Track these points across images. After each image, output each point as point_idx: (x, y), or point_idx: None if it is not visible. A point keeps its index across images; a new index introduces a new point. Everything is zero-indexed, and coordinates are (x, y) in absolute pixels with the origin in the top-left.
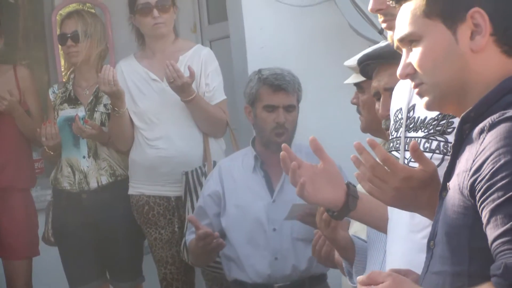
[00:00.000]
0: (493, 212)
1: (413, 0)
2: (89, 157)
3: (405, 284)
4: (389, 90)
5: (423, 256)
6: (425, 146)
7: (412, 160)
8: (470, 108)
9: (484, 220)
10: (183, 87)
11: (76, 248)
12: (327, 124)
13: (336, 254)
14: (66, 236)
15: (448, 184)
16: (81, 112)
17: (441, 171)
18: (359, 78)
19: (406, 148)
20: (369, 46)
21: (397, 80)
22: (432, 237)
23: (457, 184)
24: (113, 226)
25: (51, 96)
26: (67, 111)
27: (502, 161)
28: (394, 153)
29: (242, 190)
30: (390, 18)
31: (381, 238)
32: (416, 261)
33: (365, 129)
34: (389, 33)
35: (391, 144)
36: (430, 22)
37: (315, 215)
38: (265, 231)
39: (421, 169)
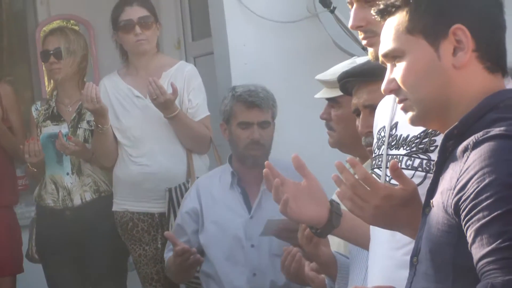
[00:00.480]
0: (478, 232)
1: (397, 16)
2: (72, 173)
3: None
4: (369, 107)
5: (404, 273)
6: (407, 163)
7: (393, 179)
8: (453, 125)
9: (470, 240)
10: (166, 104)
11: (60, 265)
12: (309, 141)
13: (306, 270)
14: (50, 253)
15: (431, 201)
16: (64, 129)
17: (423, 189)
18: (332, 93)
19: (388, 166)
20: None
21: (377, 97)
22: (415, 254)
23: (441, 202)
24: (97, 242)
25: (34, 113)
26: (50, 128)
27: (486, 181)
28: (377, 170)
29: (220, 206)
30: (371, 35)
31: (363, 254)
32: (397, 278)
33: (335, 144)
34: (369, 50)
35: (374, 162)
36: (412, 38)
37: (290, 230)
38: (243, 247)
39: (401, 188)
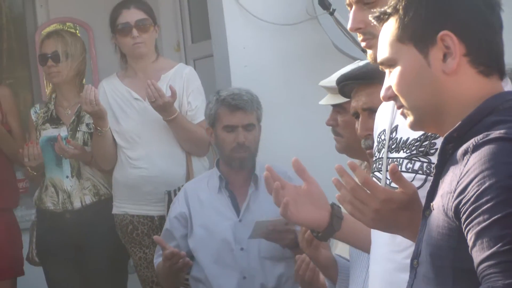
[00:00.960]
0: (478, 235)
1: (390, 23)
2: (72, 177)
3: None
4: (368, 110)
5: (404, 276)
6: (408, 166)
7: (393, 182)
8: (453, 128)
9: (470, 243)
10: (164, 107)
11: (61, 267)
12: (309, 144)
13: (321, 278)
14: (51, 255)
15: (431, 204)
16: (63, 132)
17: (424, 192)
18: (337, 99)
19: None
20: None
21: (376, 100)
22: (415, 256)
23: (441, 205)
24: (97, 245)
25: (33, 116)
26: (49, 131)
27: (487, 184)
28: (377, 173)
29: (208, 211)
30: (369, 37)
31: (363, 257)
32: (397, 281)
33: (343, 150)
34: (368, 52)
35: (374, 165)
36: (403, 46)
37: (279, 231)
38: (233, 251)
39: (401, 191)
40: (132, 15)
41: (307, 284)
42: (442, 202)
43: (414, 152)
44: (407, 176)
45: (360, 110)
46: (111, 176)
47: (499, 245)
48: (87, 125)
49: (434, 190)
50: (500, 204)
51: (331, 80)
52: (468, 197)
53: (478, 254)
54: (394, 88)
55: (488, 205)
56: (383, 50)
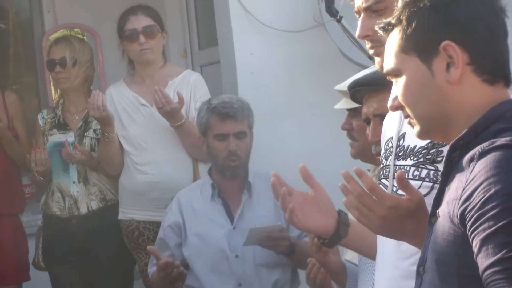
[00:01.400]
0: (484, 242)
1: (394, 34)
2: (79, 182)
3: None
4: (379, 116)
5: (410, 283)
6: (415, 174)
7: (399, 189)
8: (459, 136)
9: (475, 249)
10: (172, 113)
11: (67, 273)
12: (316, 150)
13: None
14: (57, 261)
15: (437, 211)
16: (70, 137)
17: (430, 200)
18: (352, 103)
19: (395, 177)
20: (359, 71)
21: (387, 106)
22: (421, 263)
23: (447, 212)
24: (103, 251)
25: (41, 121)
26: (56, 137)
27: (492, 191)
28: (384, 181)
29: (202, 219)
30: (377, 44)
31: (372, 263)
32: None
33: (357, 155)
34: (376, 59)
35: (381, 172)
36: (407, 57)
37: (274, 238)
38: (228, 258)
39: (407, 198)
40: (140, 21)
41: (318, 287)
42: (448, 209)
43: (421, 159)
44: (414, 183)
45: (371, 116)
46: (117, 182)
47: (504, 251)
48: (94, 130)
49: (440, 197)
50: (505, 210)
51: (346, 84)
52: (474, 204)
53: (483, 260)
54: (400, 99)
55: (494, 211)
56: (389, 60)
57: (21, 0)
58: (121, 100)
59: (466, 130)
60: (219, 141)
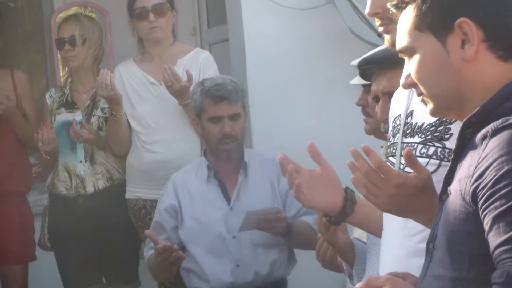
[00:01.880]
0: (495, 220)
1: (408, 11)
2: (85, 161)
3: None
4: (388, 93)
5: (416, 261)
6: (422, 151)
7: (407, 166)
8: (472, 114)
9: (486, 227)
10: (181, 91)
11: (73, 253)
12: (326, 128)
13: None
14: (62, 241)
15: (449, 188)
16: (78, 116)
17: (438, 177)
18: None
19: (402, 154)
20: (370, 49)
21: (397, 84)
22: (431, 240)
23: (458, 189)
24: (109, 230)
25: (48, 100)
26: (64, 116)
27: (505, 169)
28: (391, 158)
29: (198, 201)
30: (387, 22)
31: (379, 240)
32: (409, 266)
33: (371, 131)
34: (386, 37)
35: (388, 150)
36: (421, 34)
37: (270, 220)
38: (225, 239)
39: (415, 176)
40: None
41: (327, 264)
42: (459, 187)
43: (429, 137)
44: (421, 161)
45: (381, 94)
46: (124, 161)
47: None
48: (102, 109)
49: (452, 174)
50: None
51: None
52: (486, 182)
53: (494, 238)
54: (413, 76)
55: (506, 190)
56: (402, 38)
57: None
58: (130, 78)
59: (479, 107)
60: (214, 124)
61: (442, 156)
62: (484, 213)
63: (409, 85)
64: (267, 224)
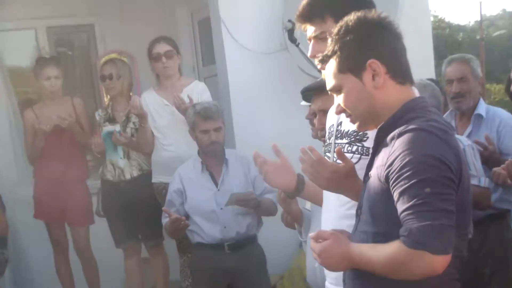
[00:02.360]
0: (401, 194)
1: (331, 61)
2: (124, 157)
3: (342, 240)
4: (322, 111)
5: (345, 222)
6: (348, 149)
7: (338, 159)
8: (384, 122)
9: (395, 199)
10: (186, 110)
11: (118, 219)
12: (283, 136)
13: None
14: (111, 211)
15: (370, 173)
16: (117, 128)
17: (359, 166)
18: None
19: (335, 151)
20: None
21: (328, 104)
22: (359, 207)
23: (376, 174)
24: (142, 204)
25: (97, 117)
26: (108, 127)
27: (407, 159)
28: (328, 154)
29: (196, 185)
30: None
31: (319, 209)
32: (341, 225)
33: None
34: (323, 72)
35: (325, 148)
36: (344, 75)
37: (247, 200)
38: (215, 211)
39: (343, 166)
40: (162, 47)
41: (288, 224)
42: (376, 172)
43: (353, 139)
44: (348, 155)
45: (317, 111)
46: (150, 157)
47: (414, 200)
48: (134, 123)
49: (371, 163)
50: (415, 173)
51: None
52: (394, 168)
53: (400, 206)
54: (342, 105)
55: (408, 173)
56: (330, 81)
57: (81, 35)
58: (152, 101)
59: (388, 119)
60: (203, 134)
61: (362, 152)
62: (394, 189)
63: (340, 111)
64: (244, 201)
